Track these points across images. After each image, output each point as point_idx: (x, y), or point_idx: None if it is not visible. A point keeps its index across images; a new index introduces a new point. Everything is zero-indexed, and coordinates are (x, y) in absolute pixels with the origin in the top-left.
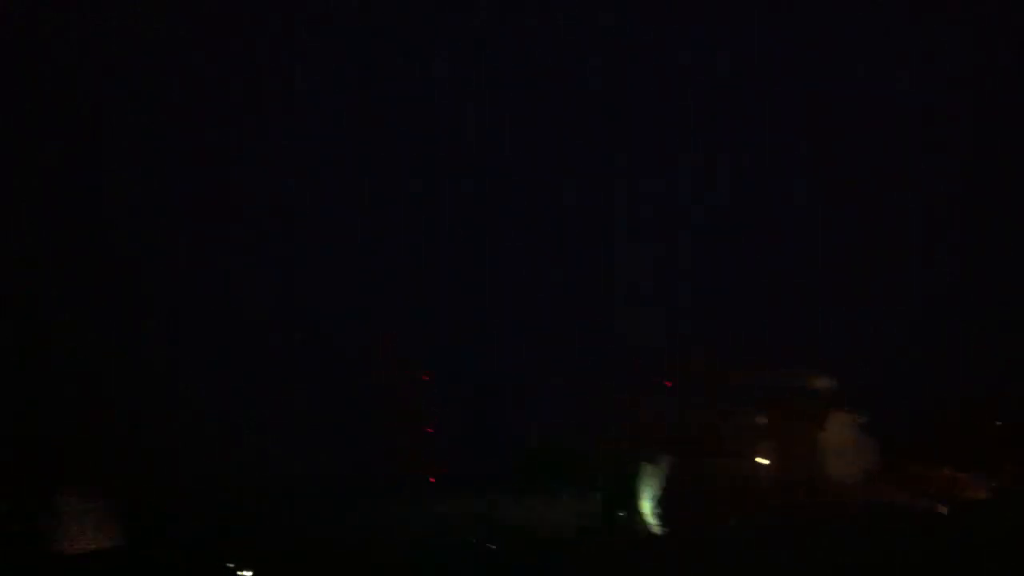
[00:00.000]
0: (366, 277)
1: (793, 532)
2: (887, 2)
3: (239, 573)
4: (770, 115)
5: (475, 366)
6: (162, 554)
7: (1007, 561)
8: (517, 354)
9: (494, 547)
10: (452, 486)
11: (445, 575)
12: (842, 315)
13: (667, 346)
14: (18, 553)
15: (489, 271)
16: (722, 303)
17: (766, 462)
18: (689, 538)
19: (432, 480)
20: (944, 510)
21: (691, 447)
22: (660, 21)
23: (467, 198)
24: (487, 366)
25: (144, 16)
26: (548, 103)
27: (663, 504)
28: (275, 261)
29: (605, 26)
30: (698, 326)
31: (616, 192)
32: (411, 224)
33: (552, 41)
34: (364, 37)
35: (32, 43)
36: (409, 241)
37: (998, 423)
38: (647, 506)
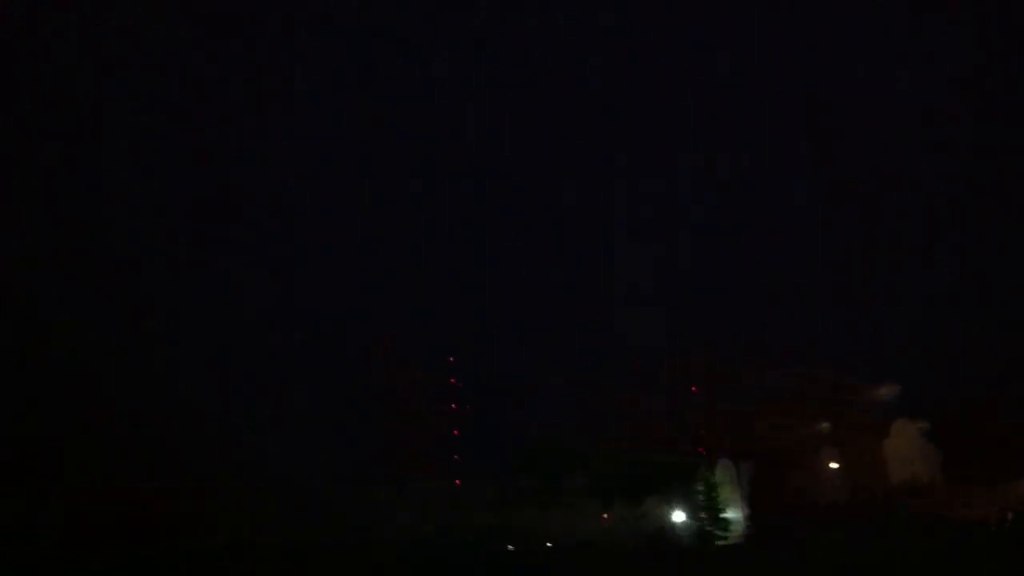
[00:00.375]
0: (366, 277)
1: (863, 539)
2: (887, 2)
3: None
4: (770, 115)
5: (476, 366)
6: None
7: None
8: (517, 354)
9: (511, 548)
10: (453, 485)
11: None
12: (842, 315)
13: (667, 346)
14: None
15: (489, 271)
16: (722, 303)
17: (835, 465)
18: (761, 543)
19: (458, 483)
20: (1010, 516)
21: (760, 454)
22: (660, 21)
23: (467, 198)
24: (488, 366)
25: (144, 16)
26: (548, 103)
27: (734, 510)
28: (275, 261)
29: (605, 26)
30: (698, 326)
31: (616, 192)
32: (411, 224)
33: (552, 41)
34: (364, 37)
35: (32, 43)
36: (409, 241)
37: None
38: (716, 512)
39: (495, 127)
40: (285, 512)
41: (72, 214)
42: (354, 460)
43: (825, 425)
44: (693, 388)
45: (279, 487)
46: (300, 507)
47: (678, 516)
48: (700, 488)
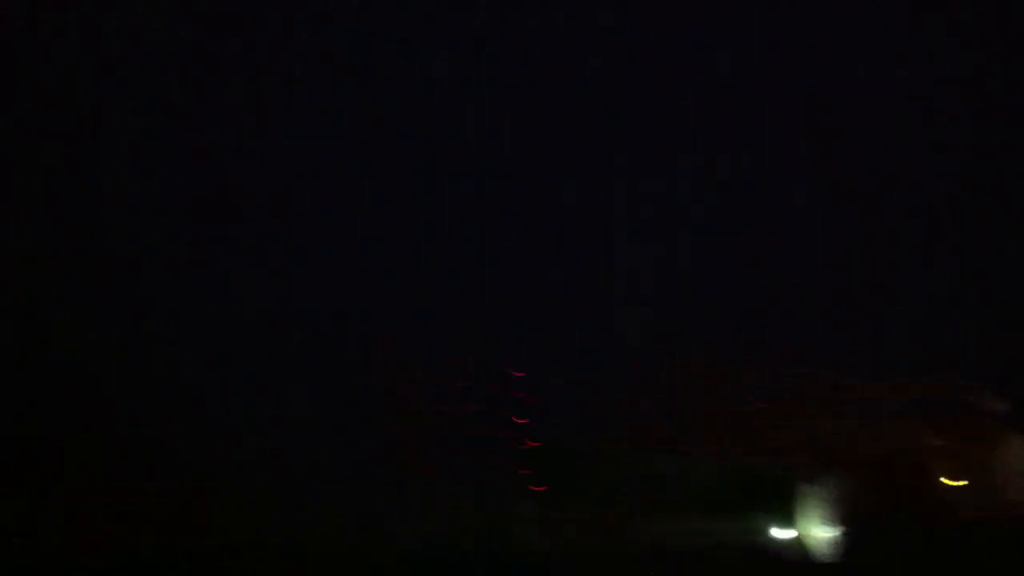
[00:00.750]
0: (366, 277)
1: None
2: (887, 2)
3: None
4: (770, 115)
5: (477, 367)
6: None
7: None
8: (518, 354)
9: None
10: (455, 486)
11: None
12: (842, 315)
13: (667, 346)
14: (19, 553)
15: (489, 271)
16: (722, 303)
17: (946, 479)
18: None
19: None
20: None
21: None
22: (660, 21)
23: (467, 198)
24: (488, 366)
25: (144, 16)
26: (548, 103)
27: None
28: (275, 261)
29: (605, 26)
30: (698, 326)
31: (616, 192)
32: (411, 224)
33: (552, 41)
34: (364, 37)
35: (32, 43)
36: (409, 241)
37: None
38: (813, 527)
39: (495, 127)
40: (285, 512)
41: (72, 214)
42: (354, 460)
43: (933, 437)
44: (748, 398)
45: (279, 487)
46: (300, 507)
47: (785, 532)
48: (809, 501)
